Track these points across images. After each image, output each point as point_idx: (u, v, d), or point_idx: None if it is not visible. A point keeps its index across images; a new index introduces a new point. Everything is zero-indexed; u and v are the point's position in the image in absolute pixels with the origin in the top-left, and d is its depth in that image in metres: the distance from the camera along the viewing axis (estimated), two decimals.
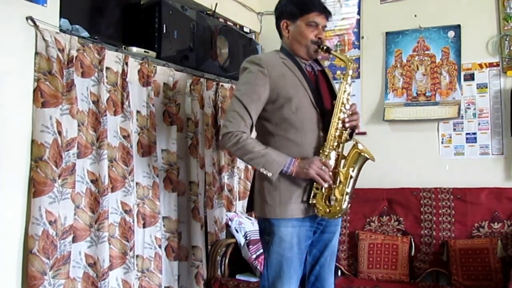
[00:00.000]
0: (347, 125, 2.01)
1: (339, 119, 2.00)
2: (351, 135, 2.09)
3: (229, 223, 3.18)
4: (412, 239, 3.08)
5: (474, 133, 3.23)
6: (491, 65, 3.20)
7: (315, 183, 1.97)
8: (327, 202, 1.98)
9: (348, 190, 1.99)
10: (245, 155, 1.98)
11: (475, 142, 3.22)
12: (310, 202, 1.99)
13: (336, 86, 2.16)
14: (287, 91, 2.00)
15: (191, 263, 2.89)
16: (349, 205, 2.02)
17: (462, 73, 3.27)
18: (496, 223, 2.95)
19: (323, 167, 1.94)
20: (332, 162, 1.98)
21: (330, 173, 1.96)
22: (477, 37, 3.23)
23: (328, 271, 2.16)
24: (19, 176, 2.03)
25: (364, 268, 3.08)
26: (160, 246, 2.67)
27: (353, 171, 2.00)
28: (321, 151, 1.98)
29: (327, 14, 2.10)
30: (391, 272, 3.03)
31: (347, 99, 2.03)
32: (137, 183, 2.57)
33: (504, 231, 2.91)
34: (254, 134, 2.15)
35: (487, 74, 3.21)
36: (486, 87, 3.21)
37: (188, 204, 2.91)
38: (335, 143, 1.99)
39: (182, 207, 2.86)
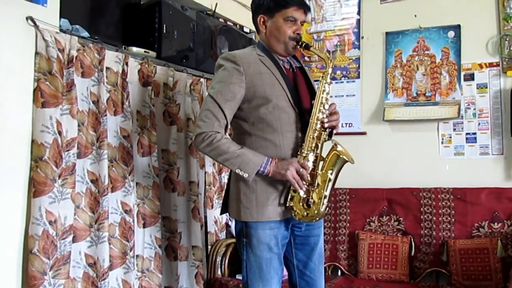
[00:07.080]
0: (326, 125, 1.94)
1: (317, 119, 1.92)
2: (330, 135, 2.03)
3: (229, 223, 3.18)
4: (412, 239, 3.08)
5: (474, 133, 3.23)
6: (491, 65, 3.20)
7: (292, 186, 1.91)
8: (304, 205, 1.92)
9: (326, 193, 1.93)
10: (219, 156, 1.89)
11: (475, 142, 3.22)
12: (287, 205, 1.92)
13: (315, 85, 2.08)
14: (264, 90, 1.92)
15: (191, 263, 2.89)
16: (327, 208, 1.96)
17: (462, 73, 3.27)
18: (496, 223, 2.95)
19: (301, 170, 1.87)
20: (310, 164, 1.91)
21: (308, 175, 1.90)
22: (477, 37, 3.23)
23: (319, 275, 2.11)
24: (19, 176, 2.03)
25: (364, 268, 3.08)
26: (160, 246, 2.67)
27: (331, 173, 1.94)
28: (299, 153, 1.91)
29: (306, 9, 2.01)
30: (391, 272, 3.04)
31: (326, 99, 1.96)
32: (137, 183, 2.57)
33: (504, 231, 2.91)
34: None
35: (487, 74, 3.21)
36: (486, 87, 3.21)
37: (188, 204, 2.91)
38: (313, 144, 1.92)
39: (182, 207, 2.86)
